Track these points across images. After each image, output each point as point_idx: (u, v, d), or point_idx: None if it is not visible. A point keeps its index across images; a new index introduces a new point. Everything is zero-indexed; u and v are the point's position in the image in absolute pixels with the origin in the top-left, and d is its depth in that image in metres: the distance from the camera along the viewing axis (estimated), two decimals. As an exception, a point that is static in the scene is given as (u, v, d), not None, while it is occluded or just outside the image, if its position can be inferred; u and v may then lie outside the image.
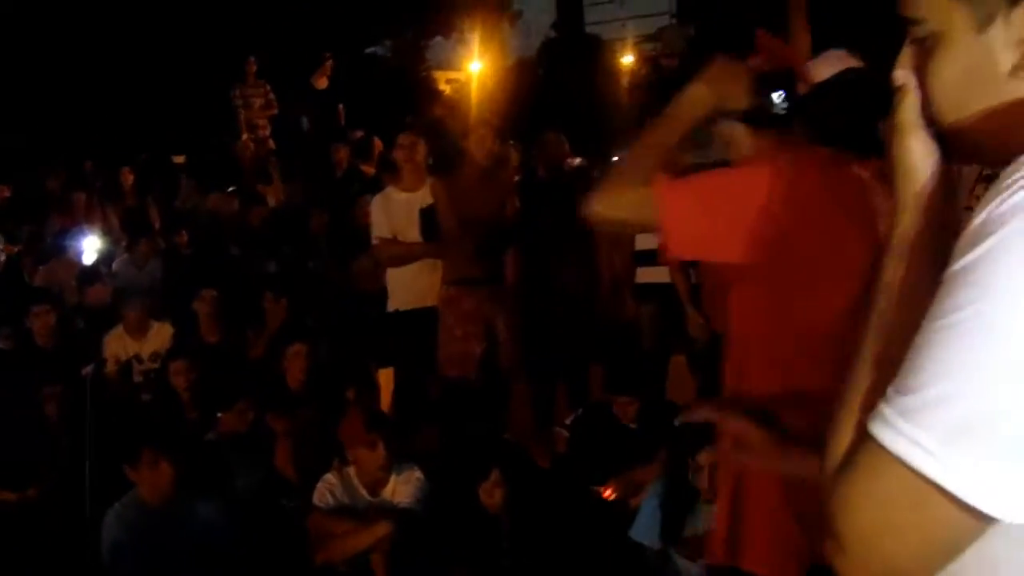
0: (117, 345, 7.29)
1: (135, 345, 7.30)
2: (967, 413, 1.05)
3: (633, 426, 5.80)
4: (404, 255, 6.76)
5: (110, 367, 7.25)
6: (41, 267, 8.79)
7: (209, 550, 4.64)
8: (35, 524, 4.89)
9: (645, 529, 4.72)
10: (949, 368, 1.07)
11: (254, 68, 11.98)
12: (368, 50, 16.01)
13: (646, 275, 6.83)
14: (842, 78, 2.84)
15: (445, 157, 8.00)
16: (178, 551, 4.58)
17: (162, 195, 10.56)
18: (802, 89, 2.75)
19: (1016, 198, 1.10)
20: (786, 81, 2.72)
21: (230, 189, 10.26)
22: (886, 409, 1.11)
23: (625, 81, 16.14)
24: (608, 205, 2.65)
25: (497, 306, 6.46)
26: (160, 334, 7.34)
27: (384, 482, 5.13)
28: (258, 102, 12.01)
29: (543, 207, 7.18)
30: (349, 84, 12.18)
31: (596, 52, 21.25)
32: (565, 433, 5.95)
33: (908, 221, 1.28)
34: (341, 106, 12.06)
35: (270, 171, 10.41)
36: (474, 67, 21.24)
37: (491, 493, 4.94)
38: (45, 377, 6.27)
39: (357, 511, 5.05)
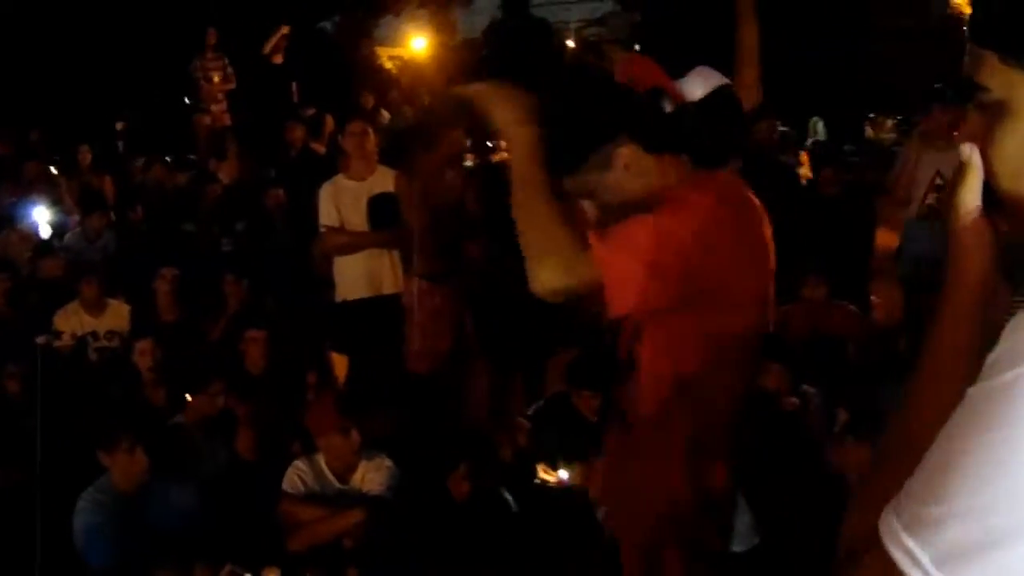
0: (73, 320, 7.23)
1: (92, 322, 7.25)
2: (965, 538, 1.06)
3: (594, 419, 5.87)
4: (351, 244, 6.78)
5: (65, 341, 7.19)
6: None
7: (183, 535, 4.66)
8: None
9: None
10: (959, 490, 1.07)
11: (213, 40, 11.84)
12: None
13: None
14: (716, 97, 2.92)
15: (395, 145, 8.00)
16: (153, 536, 4.59)
17: (118, 169, 10.44)
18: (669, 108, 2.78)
19: None
20: (654, 101, 2.76)
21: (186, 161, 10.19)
22: (893, 516, 1.12)
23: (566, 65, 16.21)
24: (554, 278, 2.65)
25: (464, 300, 6.48)
26: (117, 312, 7.30)
27: (353, 469, 5.17)
28: (217, 76, 11.89)
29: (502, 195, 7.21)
30: (302, 60, 12.07)
31: (540, 35, 21.33)
32: (526, 424, 6.02)
33: (955, 304, 1.31)
34: (295, 83, 11.96)
35: (226, 147, 10.33)
36: (417, 45, 21.19)
37: (459, 484, 5.00)
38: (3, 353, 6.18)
39: (327, 498, 5.09)
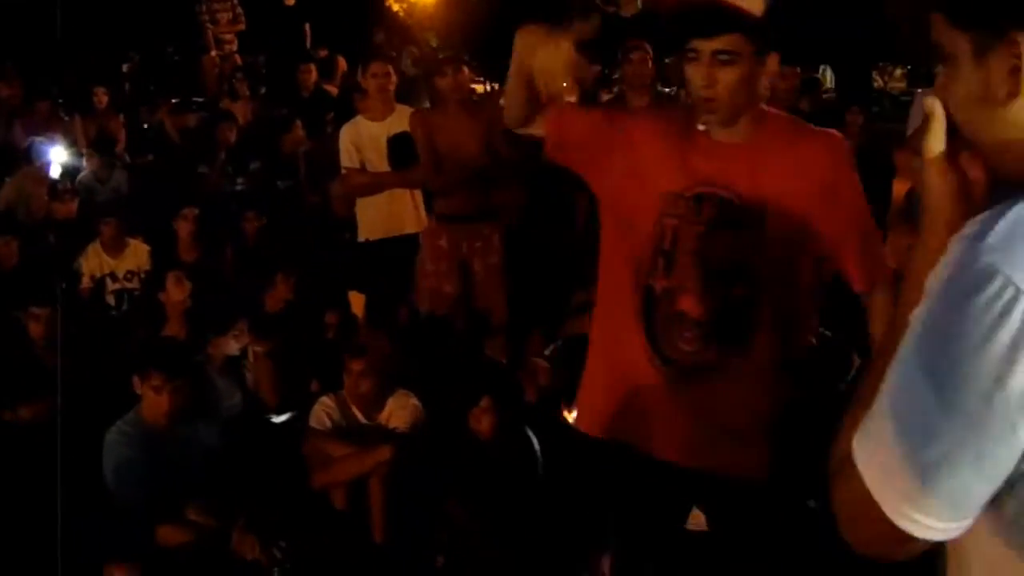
0: (93, 261, 7.24)
1: (111, 262, 7.25)
2: (898, 443, 1.31)
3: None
4: (372, 184, 6.78)
5: (85, 283, 7.21)
6: (8, 178, 8.63)
7: (212, 472, 4.68)
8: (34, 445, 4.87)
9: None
10: (891, 405, 1.34)
11: (221, -19, 11.77)
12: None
13: None
14: None
15: (405, 86, 7.98)
16: (183, 472, 4.60)
17: (129, 111, 10.40)
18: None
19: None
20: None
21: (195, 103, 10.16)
22: (860, 431, 1.37)
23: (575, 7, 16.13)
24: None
25: (477, 245, 6.48)
26: (136, 252, 7.29)
27: (380, 406, 5.19)
28: (225, 16, 11.77)
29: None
30: (313, 2, 11.99)
31: (549, -23, 21.14)
32: (545, 364, 6.03)
33: (923, 253, 1.48)
34: (307, 25, 11.89)
35: (237, 88, 10.29)
36: (425, -13, 21.05)
37: (480, 419, 5.00)
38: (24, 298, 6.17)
39: (353, 435, 5.10)
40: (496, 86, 12.98)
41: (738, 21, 2.68)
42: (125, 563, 4.17)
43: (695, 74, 2.74)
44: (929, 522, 1.31)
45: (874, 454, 1.34)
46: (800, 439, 2.90)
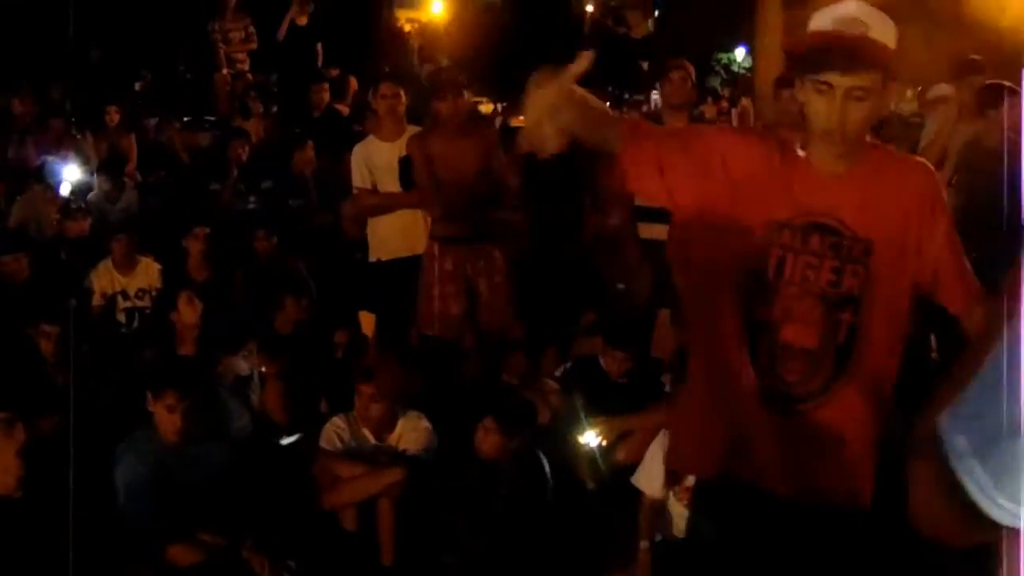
0: (104, 279, 7.25)
1: (122, 280, 7.26)
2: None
3: (623, 381, 5.90)
4: (383, 205, 6.81)
5: (96, 301, 7.22)
6: (19, 196, 8.66)
7: (222, 491, 4.68)
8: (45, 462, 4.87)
9: (647, 477, 4.84)
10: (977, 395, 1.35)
11: (234, 2, 11.84)
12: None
13: (645, 231, 6.92)
14: None
15: (416, 106, 8.00)
16: (193, 491, 4.61)
17: (141, 130, 10.44)
18: None
19: None
20: None
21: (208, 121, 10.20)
22: (946, 416, 1.38)
23: (586, 30, 16.21)
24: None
25: (481, 265, 6.47)
26: (147, 270, 7.30)
27: (391, 427, 5.20)
28: (238, 36, 11.85)
29: (541, 166, 7.19)
30: (325, 22, 12.06)
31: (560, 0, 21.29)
32: (555, 385, 6.04)
33: None
34: (319, 44, 11.95)
35: (250, 106, 10.33)
36: (436, 8, 21.18)
37: (484, 439, 5.00)
38: (34, 314, 6.18)
39: (364, 456, 5.12)
40: (502, 106, 13.01)
41: (878, 57, 2.70)
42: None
43: (823, 107, 2.72)
44: None
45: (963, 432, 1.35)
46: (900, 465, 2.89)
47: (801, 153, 2.86)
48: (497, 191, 6.50)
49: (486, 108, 13.65)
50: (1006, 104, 6.38)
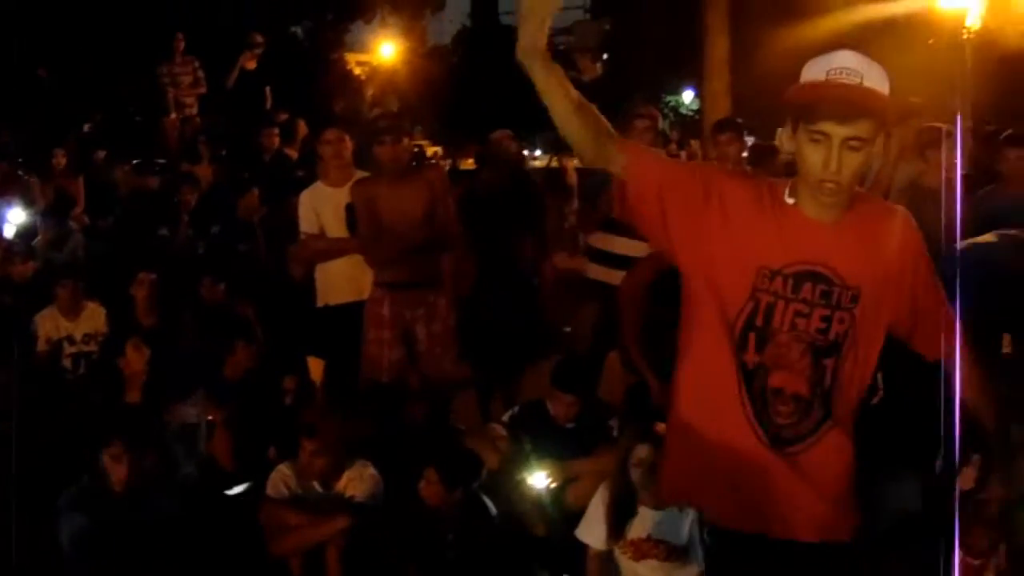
0: (50, 325, 7.20)
1: (68, 325, 7.22)
2: None
3: (571, 425, 5.92)
4: (331, 250, 6.81)
5: (41, 346, 7.17)
6: (-40, 240, 8.60)
7: (169, 541, 4.66)
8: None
9: (590, 529, 4.84)
10: None
11: (182, 45, 11.85)
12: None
13: (594, 272, 6.99)
14: None
15: (365, 150, 8.02)
16: (140, 541, 4.58)
17: (89, 173, 10.40)
18: None
19: None
20: None
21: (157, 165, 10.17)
22: None
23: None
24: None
25: (420, 312, 6.48)
26: (94, 315, 7.26)
27: (338, 475, 5.19)
28: (187, 80, 11.87)
29: (488, 210, 7.22)
30: (274, 65, 12.10)
31: (509, 43, 21.39)
32: (502, 431, 6.05)
33: None
34: (267, 88, 11.97)
35: (200, 150, 10.32)
36: (386, 51, 21.28)
37: (427, 491, 5.00)
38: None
39: (310, 504, 5.10)
40: (441, 151, 13.09)
41: (873, 106, 2.73)
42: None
43: (820, 157, 2.73)
44: None
45: None
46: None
47: (790, 201, 2.87)
48: (442, 236, 6.51)
49: (431, 150, 13.71)
50: (944, 146, 6.51)
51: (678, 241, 2.92)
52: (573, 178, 8.78)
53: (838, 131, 2.71)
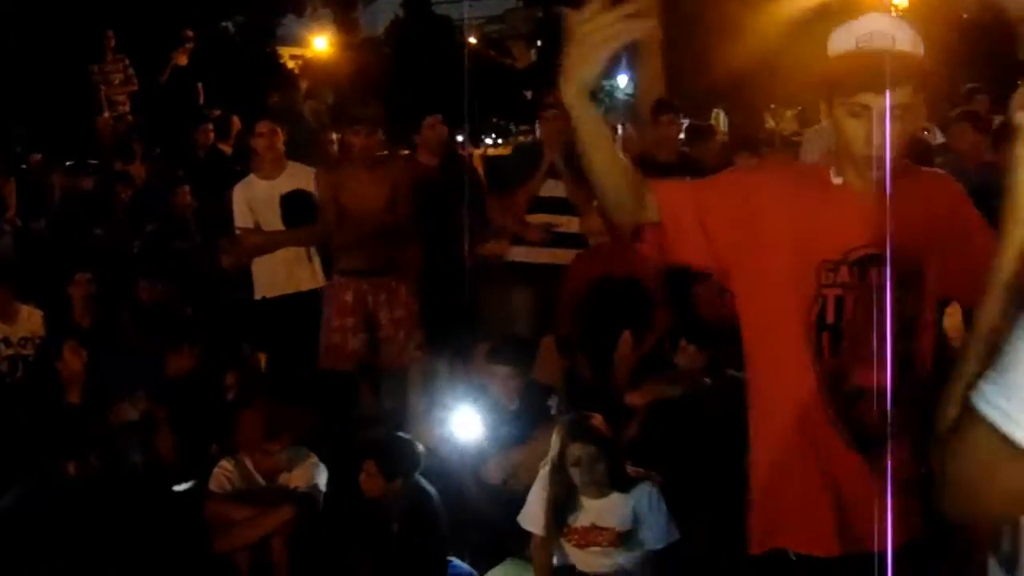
0: (-16, 328, 7.12)
1: (4, 328, 7.13)
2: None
3: (512, 407, 5.95)
4: (267, 244, 6.82)
5: (-24, 349, 7.09)
6: None
7: (117, 537, 4.62)
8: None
9: (532, 518, 4.85)
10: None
11: (112, 43, 11.74)
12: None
13: (518, 254, 7.03)
14: None
15: (300, 143, 8.03)
16: (86, 539, 4.54)
17: (22, 175, 10.27)
18: None
19: None
20: None
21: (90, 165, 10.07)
22: (985, 387, 1.48)
23: (468, 63, 16.33)
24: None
25: (382, 298, 6.50)
26: (31, 318, 7.18)
27: (280, 467, 5.19)
28: (118, 78, 11.77)
29: (430, 196, 7.23)
30: (206, 61, 12.02)
31: (441, 32, 21.40)
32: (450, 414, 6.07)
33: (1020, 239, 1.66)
34: (200, 84, 11.89)
35: (133, 148, 10.24)
36: (319, 44, 21.19)
37: (368, 483, 4.96)
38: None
39: (254, 496, 5.09)
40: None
41: (910, 70, 2.56)
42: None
43: (860, 131, 2.58)
44: None
45: (1010, 398, 1.44)
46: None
47: (837, 180, 2.71)
48: (403, 224, 6.56)
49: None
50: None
51: (731, 262, 2.74)
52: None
53: (878, 101, 2.53)
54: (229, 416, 5.90)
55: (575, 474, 4.64)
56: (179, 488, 5.55)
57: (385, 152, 7.53)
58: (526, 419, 5.89)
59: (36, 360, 6.84)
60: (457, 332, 7.15)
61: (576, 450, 4.62)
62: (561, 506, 4.72)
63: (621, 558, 4.71)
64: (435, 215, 7.11)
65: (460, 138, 9.25)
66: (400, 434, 5.23)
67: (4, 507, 4.67)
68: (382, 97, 11.78)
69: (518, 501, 5.26)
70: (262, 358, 7.05)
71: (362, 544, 4.92)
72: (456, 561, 4.98)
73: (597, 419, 4.72)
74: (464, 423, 5.89)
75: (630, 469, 4.77)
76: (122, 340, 7.09)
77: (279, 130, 7.00)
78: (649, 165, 7.39)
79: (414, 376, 6.70)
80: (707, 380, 6.04)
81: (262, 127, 6.96)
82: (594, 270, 6.79)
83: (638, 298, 6.77)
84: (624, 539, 4.69)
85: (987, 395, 1.47)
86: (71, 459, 4.71)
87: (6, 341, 7.12)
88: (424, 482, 5.02)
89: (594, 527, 4.70)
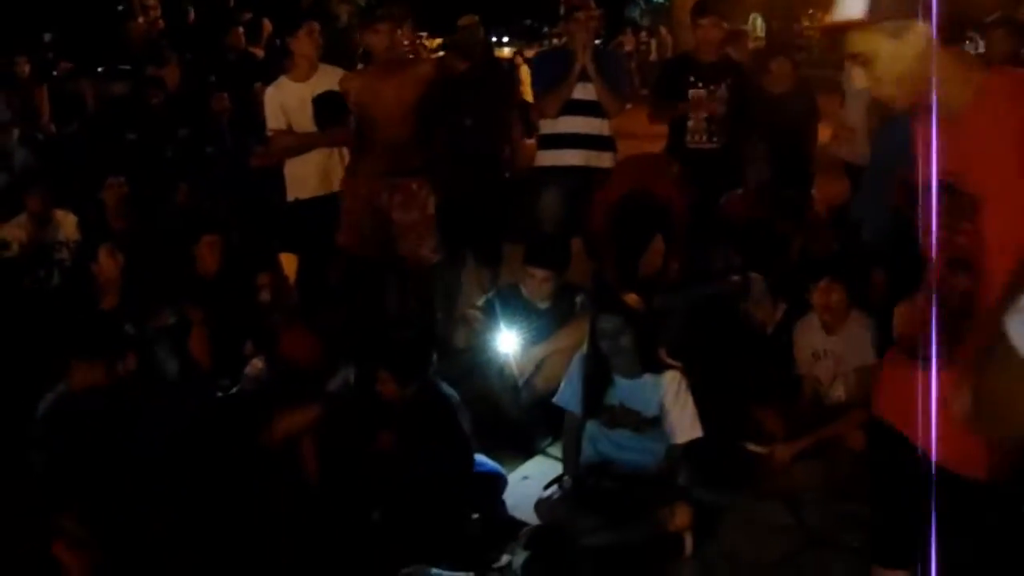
0: (20, 233, 7.20)
1: (38, 232, 7.22)
2: None
3: (544, 305, 5.99)
4: (299, 145, 6.83)
5: (14, 251, 7.17)
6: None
7: (163, 439, 4.67)
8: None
9: (569, 397, 4.94)
10: None
11: (144, -52, 11.65)
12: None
13: (549, 158, 7.01)
14: None
15: (332, 44, 7.99)
16: (132, 440, 4.60)
17: (51, 80, 10.30)
18: None
19: None
20: None
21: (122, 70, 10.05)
22: (1016, 314, 1.56)
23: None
24: None
25: (398, 199, 6.48)
26: (65, 222, 7.27)
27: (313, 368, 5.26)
28: (149, -18, 11.70)
29: (463, 99, 7.19)
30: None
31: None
32: (479, 315, 6.13)
33: None
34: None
35: (164, 53, 10.22)
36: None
37: (383, 388, 4.98)
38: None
39: (285, 396, 5.16)
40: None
41: None
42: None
43: None
44: None
45: None
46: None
47: None
48: (427, 130, 6.55)
49: (430, 43, 13.53)
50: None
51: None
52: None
53: None
54: (262, 316, 5.99)
55: (605, 346, 4.74)
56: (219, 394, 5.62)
57: (411, 55, 7.46)
58: (554, 318, 5.95)
59: (72, 264, 6.92)
60: (488, 233, 7.19)
61: (603, 322, 4.74)
62: (595, 384, 4.83)
63: (646, 446, 4.78)
64: (469, 118, 7.09)
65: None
66: (411, 336, 5.23)
67: (44, 410, 4.73)
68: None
69: (543, 400, 5.35)
70: (292, 260, 7.08)
71: (379, 449, 4.97)
72: (483, 458, 5.03)
73: (632, 297, 4.79)
74: (492, 324, 5.96)
75: (667, 361, 4.82)
76: (156, 244, 7.16)
77: (318, 33, 6.99)
78: (691, 66, 7.33)
79: (440, 276, 6.75)
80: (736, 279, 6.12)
81: (310, 26, 6.95)
82: (633, 179, 6.86)
83: (669, 209, 6.83)
84: (649, 425, 4.76)
85: (1015, 321, 1.55)
86: (109, 362, 4.73)
87: (42, 246, 7.22)
88: (444, 385, 5.04)
89: (623, 407, 4.79)
